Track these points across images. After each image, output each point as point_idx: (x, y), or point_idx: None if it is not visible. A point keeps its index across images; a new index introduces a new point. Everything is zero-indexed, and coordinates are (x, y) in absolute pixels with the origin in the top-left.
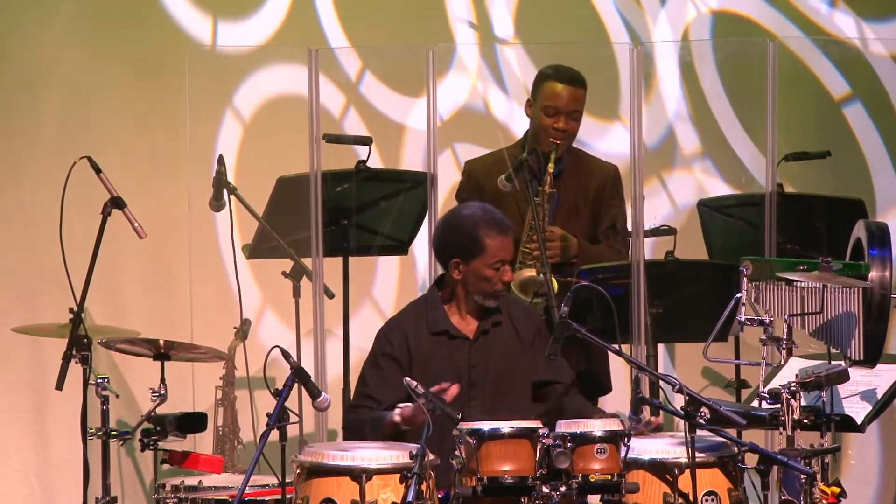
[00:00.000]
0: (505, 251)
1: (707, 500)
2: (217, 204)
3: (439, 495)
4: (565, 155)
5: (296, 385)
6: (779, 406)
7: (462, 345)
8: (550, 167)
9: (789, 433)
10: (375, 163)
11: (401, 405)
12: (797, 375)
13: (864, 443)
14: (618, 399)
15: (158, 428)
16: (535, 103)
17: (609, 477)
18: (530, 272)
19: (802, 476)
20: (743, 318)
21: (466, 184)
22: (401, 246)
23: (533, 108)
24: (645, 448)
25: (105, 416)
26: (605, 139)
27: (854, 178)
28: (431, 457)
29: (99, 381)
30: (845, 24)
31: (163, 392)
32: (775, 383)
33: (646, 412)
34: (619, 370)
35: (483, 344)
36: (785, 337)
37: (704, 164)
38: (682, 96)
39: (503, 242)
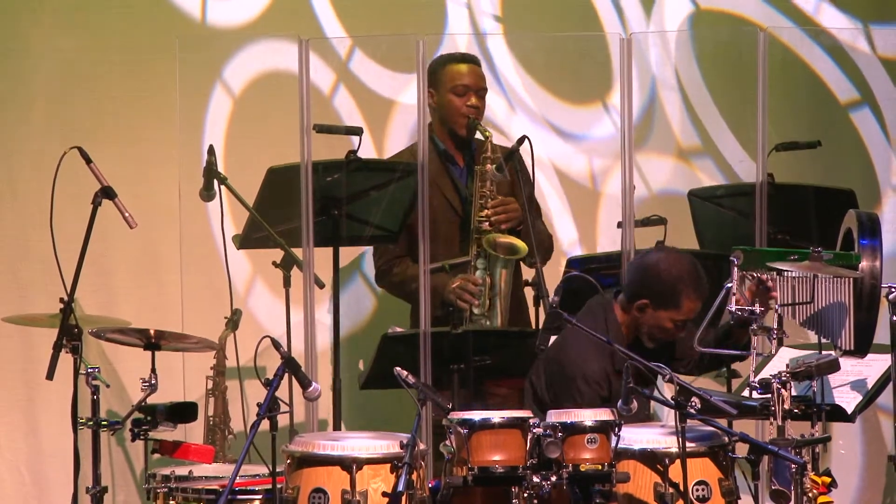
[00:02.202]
0: (693, 313)
1: (697, 490)
2: (207, 194)
3: (430, 485)
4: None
5: (286, 375)
6: (769, 396)
7: None
8: (489, 134)
9: (780, 423)
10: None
11: None
12: (788, 365)
13: (852, 433)
14: None
15: (149, 418)
16: (440, 89)
17: (600, 466)
18: (502, 237)
19: (793, 466)
20: (733, 308)
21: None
22: (390, 236)
23: (437, 96)
24: (635, 438)
25: (95, 405)
26: (595, 128)
27: (845, 168)
28: (422, 446)
29: (89, 370)
30: (835, 19)
31: (153, 382)
32: (766, 373)
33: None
34: None
35: None
36: (775, 327)
37: (695, 153)
38: (672, 86)
39: (696, 306)
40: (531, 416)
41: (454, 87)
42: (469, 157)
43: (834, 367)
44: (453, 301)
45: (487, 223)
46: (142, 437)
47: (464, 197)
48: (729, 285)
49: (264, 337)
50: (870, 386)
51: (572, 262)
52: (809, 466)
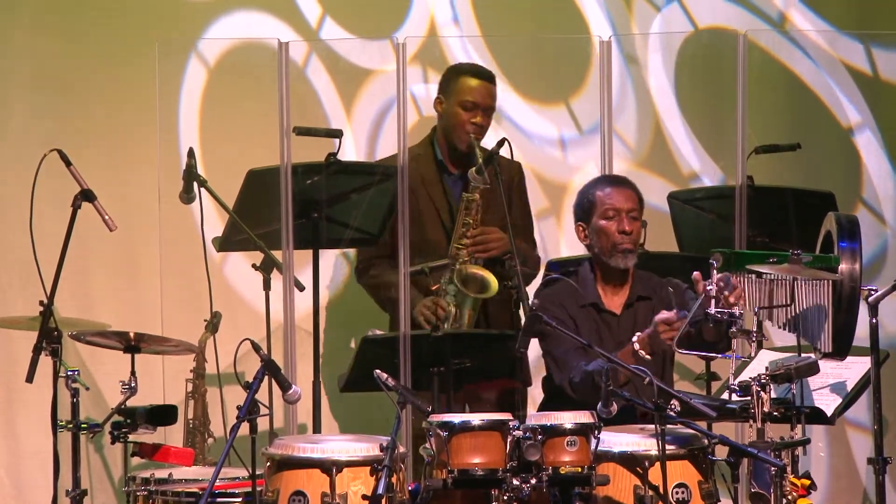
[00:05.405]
0: (614, 200)
1: (677, 493)
2: (187, 197)
3: (409, 488)
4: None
5: (266, 378)
6: (749, 398)
7: (610, 319)
8: (480, 161)
9: (759, 426)
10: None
11: (637, 334)
12: (767, 368)
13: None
14: None
15: (129, 420)
16: (448, 99)
17: (579, 469)
18: (476, 270)
19: (772, 468)
20: (713, 311)
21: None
22: (371, 238)
23: (445, 105)
24: (615, 440)
25: (75, 408)
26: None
27: (825, 171)
28: (402, 449)
29: (69, 373)
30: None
31: (133, 385)
32: (745, 376)
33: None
34: None
35: (628, 318)
36: (755, 329)
37: (676, 155)
38: (651, 89)
39: (612, 193)
40: (511, 418)
41: (462, 102)
42: (464, 169)
43: (813, 369)
44: (416, 317)
45: (465, 251)
46: (121, 440)
47: (454, 207)
48: (709, 288)
49: (244, 340)
50: (849, 388)
51: (552, 265)
52: (789, 469)
